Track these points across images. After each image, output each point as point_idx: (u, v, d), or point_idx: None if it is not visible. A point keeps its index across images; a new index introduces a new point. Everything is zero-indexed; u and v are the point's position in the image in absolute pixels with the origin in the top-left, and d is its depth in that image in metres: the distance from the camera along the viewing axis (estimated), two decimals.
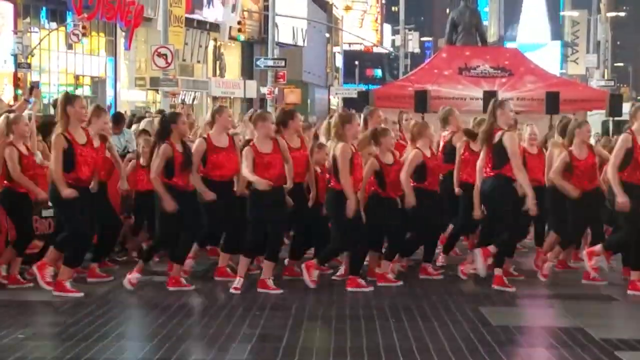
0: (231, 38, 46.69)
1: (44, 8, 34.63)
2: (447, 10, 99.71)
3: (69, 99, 8.54)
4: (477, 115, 10.67)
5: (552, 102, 15.31)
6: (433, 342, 6.87)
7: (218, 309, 7.98)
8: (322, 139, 9.81)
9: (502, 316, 7.85)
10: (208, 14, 44.66)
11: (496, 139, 8.69)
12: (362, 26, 67.76)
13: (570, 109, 15.04)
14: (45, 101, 30.27)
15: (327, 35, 70.95)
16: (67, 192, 8.18)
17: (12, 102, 17.58)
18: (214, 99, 48.97)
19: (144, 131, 11.39)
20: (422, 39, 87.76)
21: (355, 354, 6.51)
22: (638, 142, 8.61)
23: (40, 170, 8.99)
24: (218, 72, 50.22)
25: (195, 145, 9.04)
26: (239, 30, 43.01)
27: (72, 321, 7.41)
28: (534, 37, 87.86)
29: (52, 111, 10.06)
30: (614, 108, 18.35)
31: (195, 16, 42.43)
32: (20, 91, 28.31)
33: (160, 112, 14.54)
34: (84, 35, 32.90)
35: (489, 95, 15.20)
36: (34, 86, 16.84)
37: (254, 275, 8.97)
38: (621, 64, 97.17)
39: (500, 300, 8.54)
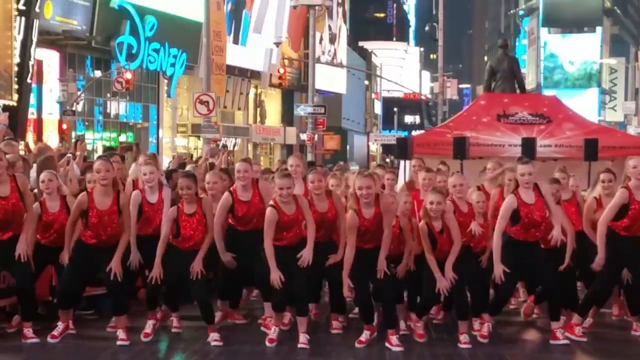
0: (271, 85, 47.21)
1: (89, 56, 35.42)
2: (485, 58, 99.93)
3: None
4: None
5: (591, 149, 15.22)
6: None
7: (258, 355, 8.07)
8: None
9: None
10: (248, 62, 45.21)
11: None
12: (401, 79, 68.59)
13: (608, 155, 14.95)
14: (90, 147, 30.83)
15: (366, 82, 71.50)
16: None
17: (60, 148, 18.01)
18: (255, 145, 49.45)
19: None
20: (461, 85, 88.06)
21: None
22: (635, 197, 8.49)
23: None
24: (258, 118, 50.75)
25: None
26: (280, 78, 43.48)
27: None
28: None
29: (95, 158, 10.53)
30: None
31: (236, 64, 42.98)
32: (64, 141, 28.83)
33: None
34: (127, 89, 33.76)
35: (528, 142, 15.23)
36: (80, 139, 17.22)
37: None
38: None
39: (532, 345, 8.55)
